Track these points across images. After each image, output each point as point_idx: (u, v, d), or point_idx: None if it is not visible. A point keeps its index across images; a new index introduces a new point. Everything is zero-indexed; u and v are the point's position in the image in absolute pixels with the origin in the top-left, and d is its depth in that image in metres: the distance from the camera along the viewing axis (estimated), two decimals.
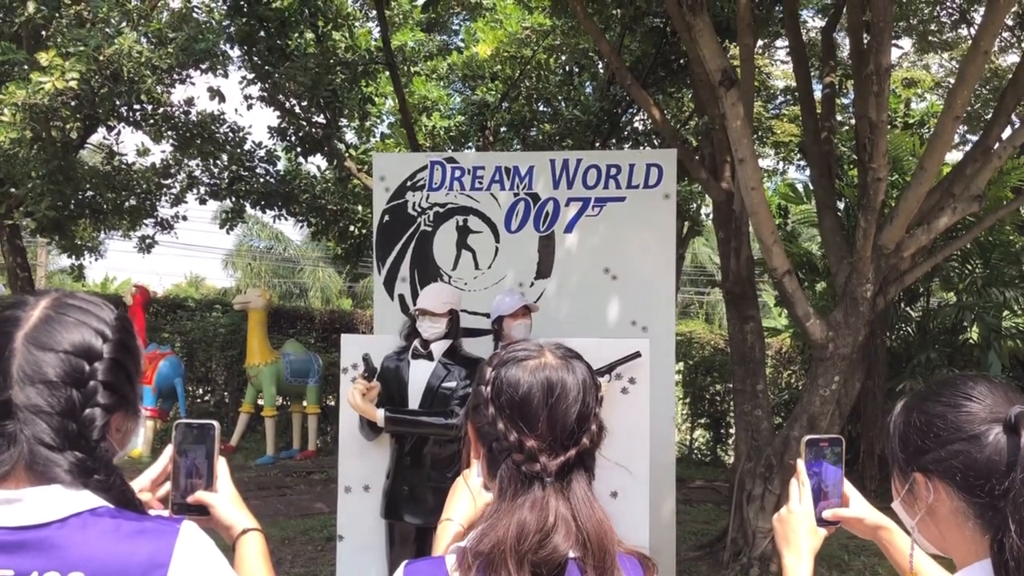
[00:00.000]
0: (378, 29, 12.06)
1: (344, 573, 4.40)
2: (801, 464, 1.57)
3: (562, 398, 1.32)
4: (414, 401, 4.07)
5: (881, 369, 8.20)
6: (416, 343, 4.17)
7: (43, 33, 9.52)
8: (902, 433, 1.29)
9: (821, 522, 1.54)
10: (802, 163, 13.01)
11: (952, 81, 14.29)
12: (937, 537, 1.26)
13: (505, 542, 1.24)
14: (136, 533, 1.15)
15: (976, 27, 12.89)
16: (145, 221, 12.16)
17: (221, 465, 1.44)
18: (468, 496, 1.59)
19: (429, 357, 4.11)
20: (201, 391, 12.64)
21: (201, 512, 1.41)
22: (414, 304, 5.33)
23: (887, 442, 1.36)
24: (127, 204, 11.72)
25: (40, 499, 1.14)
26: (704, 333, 14.25)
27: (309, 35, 10.02)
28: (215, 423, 1.45)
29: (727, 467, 11.28)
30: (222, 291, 30.49)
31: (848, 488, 1.60)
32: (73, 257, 12.43)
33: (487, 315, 5.20)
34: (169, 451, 1.42)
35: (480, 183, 5.41)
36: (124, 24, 9.30)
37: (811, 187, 9.72)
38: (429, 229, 5.45)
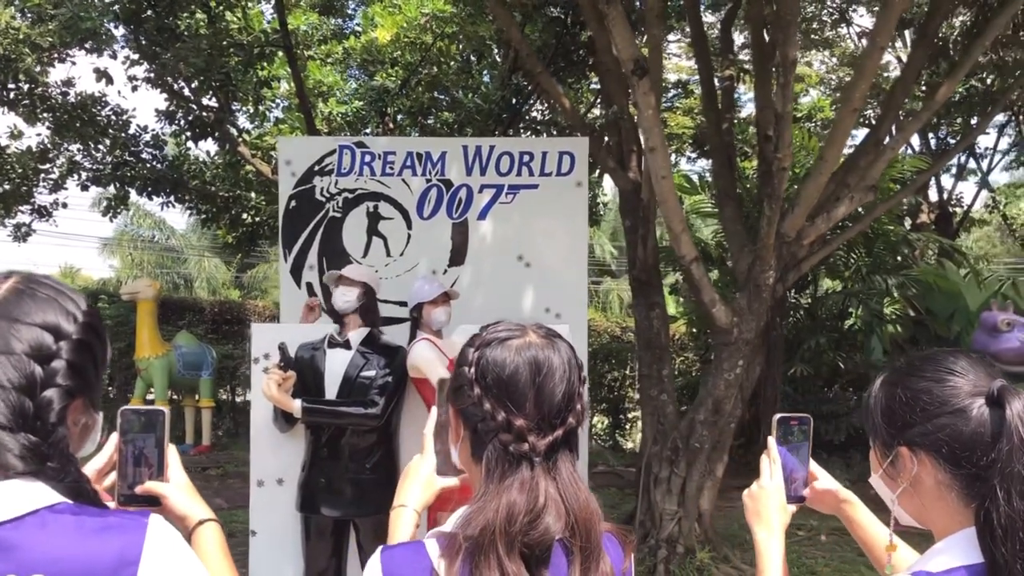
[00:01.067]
0: (271, 10, 11.76)
1: (258, 569, 4.27)
2: (772, 441, 1.59)
3: (549, 376, 1.30)
4: (331, 391, 3.96)
5: (779, 354, 8.51)
6: (332, 332, 4.07)
7: None
8: (885, 408, 1.31)
9: (792, 498, 1.58)
10: (693, 155, 13.37)
11: (834, 77, 14.93)
12: (918, 509, 1.29)
13: (495, 524, 1.21)
14: (101, 529, 1.06)
15: (855, 25, 13.46)
16: (21, 208, 11.52)
17: (172, 453, 1.36)
18: (421, 481, 1.56)
19: (346, 346, 4.01)
20: None
21: (151, 503, 1.33)
22: (323, 292, 5.23)
23: (867, 417, 1.38)
24: (1, 189, 11.07)
25: None
26: (600, 321, 14.48)
27: (200, 15, 9.63)
28: (164, 409, 1.37)
29: (626, 452, 11.52)
30: (101, 282, 29.19)
31: (813, 465, 1.64)
32: None
33: (400, 303, 5.15)
34: (114, 439, 1.32)
35: (391, 168, 5.31)
36: None
37: (704, 178, 10.02)
38: (338, 215, 5.32)
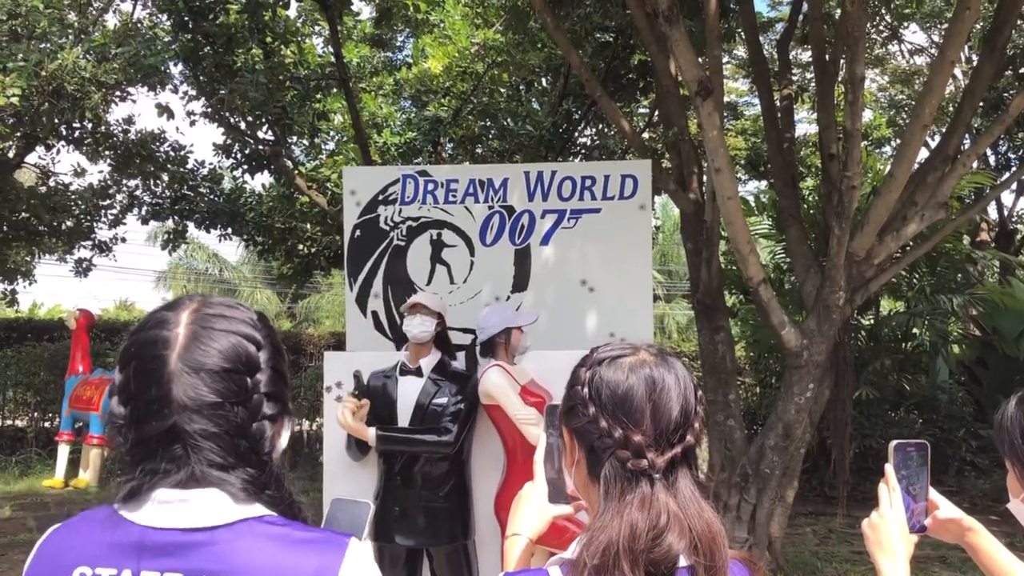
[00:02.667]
0: (323, 44, 11.96)
1: None
2: (890, 468, 1.54)
3: (664, 393, 1.28)
4: (403, 419, 3.95)
5: (848, 377, 8.33)
6: (403, 359, 4.06)
7: None
8: None
9: (914, 528, 1.52)
10: (746, 177, 13.24)
11: (885, 96, 14.73)
12: None
13: (617, 543, 1.19)
14: (303, 543, 1.11)
15: (907, 42, 13.25)
16: (82, 243, 11.80)
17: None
18: (533, 508, 1.54)
19: (418, 373, 4.01)
20: None
21: None
22: (388, 321, 5.24)
23: (1003, 438, 1.32)
24: (63, 226, 11.35)
25: (210, 501, 1.11)
26: None
27: (256, 51, 9.81)
28: (370, 503, 1.40)
29: None
30: None
31: (934, 493, 1.58)
32: (6, 282, 11.99)
33: (463, 330, 5.14)
34: None
35: (454, 196, 5.31)
36: (63, 40, 9.01)
37: (760, 199, 9.91)
38: (402, 243, 5.33)
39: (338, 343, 15.54)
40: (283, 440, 1.23)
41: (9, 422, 12.63)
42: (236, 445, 1.12)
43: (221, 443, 1.11)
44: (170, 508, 1.10)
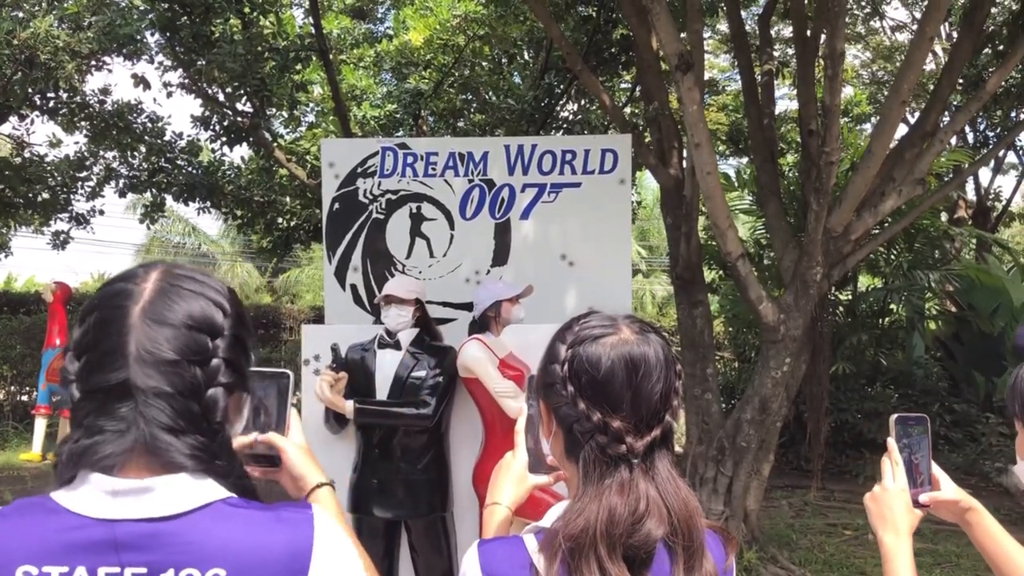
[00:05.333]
0: (303, 15, 11.82)
1: None
2: (892, 442, 1.53)
3: (646, 376, 1.26)
4: (382, 392, 3.96)
5: (824, 352, 8.40)
6: (382, 332, 4.06)
7: None
8: None
9: (916, 504, 1.51)
10: (728, 153, 13.25)
11: (867, 72, 14.77)
12: None
13: (595, 527, 1.19)
14: (272, 522, 1.07)
15: (888, 18, 13.24)
16: (59, 215, 11.66)
17: (294, 416, 1.37)
18: (513, 479, 1.54)
19: (396, 346, 4.01)
20: None
21: (271, 463, 1.33)
22: (367, 294, 5.23)
23: (1014, 400, 1.32)
24: (40, 198, 11.22)
25: (170, 488, 1.04)
26: None
27: (234, 21, 9.68)
28: (289, 372, 1.36)
29: None
30: None
31: (936, 469, 1.56)
32: None
33: (443, 304, 5.15)
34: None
35: (433, 169, 5.28)
36: (36, 7, 8.85)
37: (742, 175, 9.93)
38: (381, 217, 5.30)
39: (318, 317, 15.51)
40: (239, 422, 1.19)
41: None
42: (188, 408, 1.06)
43: (174, 404, 1.05)
44: (127, 498, 1.03)
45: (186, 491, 1.04)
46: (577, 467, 1.27)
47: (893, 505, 1.47)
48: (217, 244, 31.24)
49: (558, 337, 1.36)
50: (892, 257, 9.80)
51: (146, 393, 1.04)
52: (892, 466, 1.52)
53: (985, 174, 14.26)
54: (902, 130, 6.91)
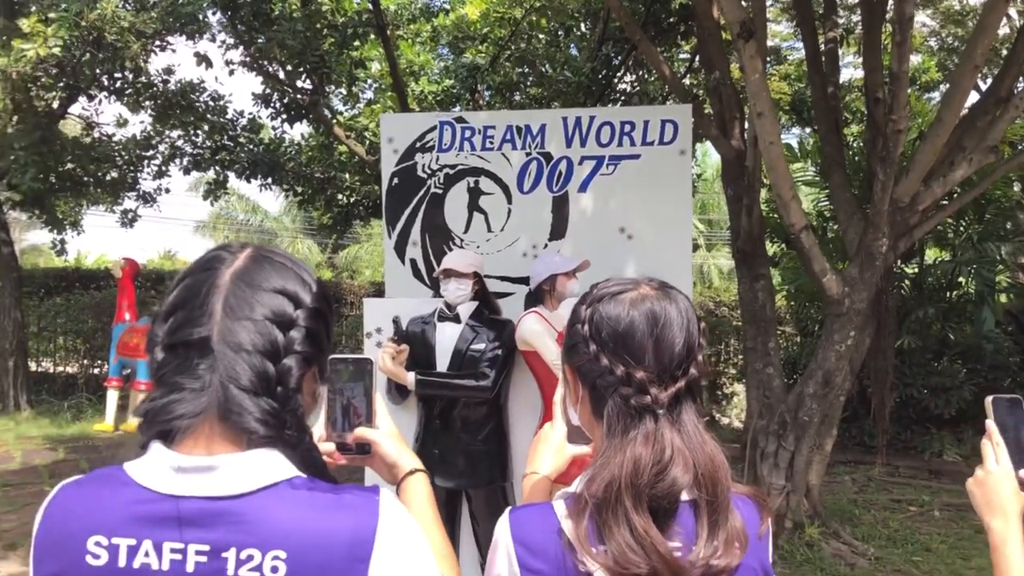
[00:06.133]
0: None
1: None
2: (991, 423, 1.46)
3: (667, 327, 1.26)
4: (442, 364, 4.00)
5: (890, 326, 8.22)
6: (442, 306, 4.09)
7: (17, 2, 9.25)
8: None
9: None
10: (790, 123, 12.98)
11: (935, 40, 14.31)
12: None
13: (620, 479, 1.19)
14: (336, 507, 1.06)
15: None
16: (127, 194, 11.95)
17: (379, 402, 1.36)
18: (552, 448, 1.54)
19: (456, 320, 4.03)
20: None
21: (361, 451, 1.33)
22: (426, 268, 5.27)
23: None
24: (108, 176, 11.50)
25: (234, 467, 1.05)
26: (693, 296, 14.25)
27: None
28: (371, 358, 1.35)
29: (722, 427, 11.35)
30: None
31: None
32: (55, 232, 12.19)
33: (501, 278, 5.16)
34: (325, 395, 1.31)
35: (491, 143, 5.28)
36: None
37: (805, 146, 9.73)
38: (440, 191, 5.32)
39: (378, 292, 15.69)
40: (315, 410, 1.20)
41: (60, 368, 12.99)
42: (265, 369, 1.07)
43: (253, 362, 1.06)
44: (192, 475, 1.04)
45: (250, 470, 1.05)
46: (602, 425, 1.27)
47: (999, 489, 1.41)
48: (278, 221, 31.73)
49: (579, 301, 1.37)
50: (961, 228, 9.53)
51: (228, 347, 1.06)
52: (994, 448, 1.45)
53: None
54: (974, 97, 6.68)
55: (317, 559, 1.02)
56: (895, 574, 5.54)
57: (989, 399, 1.48)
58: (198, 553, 1.01)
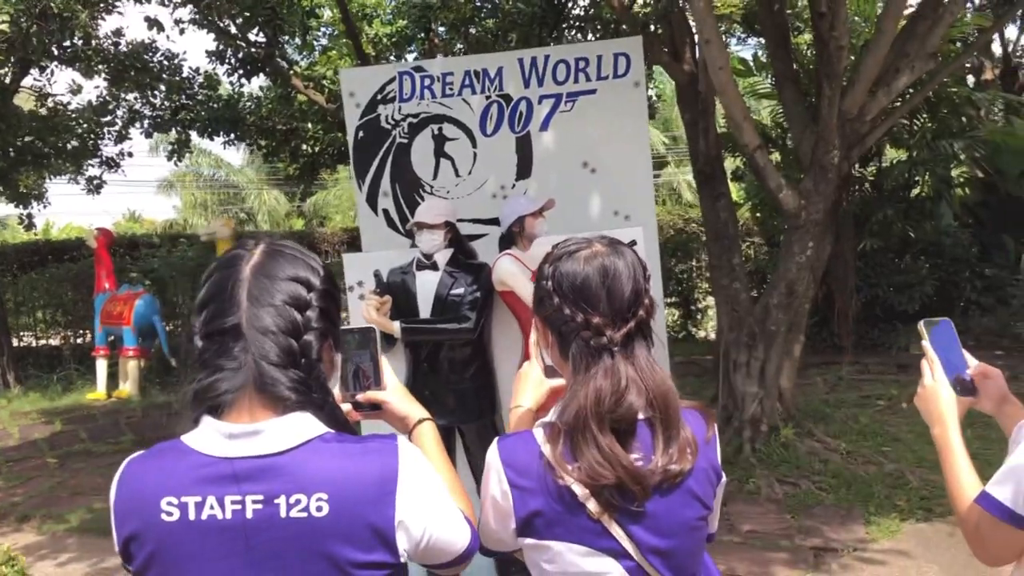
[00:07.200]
0: None
1: None
2: (926, 343, 1.66)
3: (616, 279, 1.50)
4: (424, 310, 4.20)
5: (848, 231, 8.50)
6: (419, 255, 4.28)
7: None
8: None
9: (961, 390, 1.62)
10: (744, 36, 13.04)
11: None
12: None
13: (586, 407, 1.44)
14: (362, 453, 1.29)
15: None
16: (90, 161, 11.90)
17: (385, 364, 1.59)
18: (533, 383, 1.79)
19: (434, 267, 4.23)
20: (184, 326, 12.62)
21: (374, 408, 1.57)
22: (399, 218, 5.44)
23: None
24: (69, 146, 11.44)
25: (276, 429, 1.26)
26: (662, 216, 14.49)
27: None
28: (374, 327, 1.60)
29: (700, 341, 11.71)
30: (169, 224, 29.96)
31: (972, 359, 1.68)
32: (20, 206, 12.16)
33: (473, 220, 5.34)
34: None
35: (451, 89, 5.40)
36: None
37: (759, 58, 9.85)
38: (405, 141, 5.46)
39: (351, 239, 15.77)
40: (334, 375, 1.42)
41: (42, 342, 13.09)
42: (290, 345, 1.28)
43: (279, 341, 1.27)
44: (241, 439, 1.25)
45: (289, 430, 1.26)
46: (569, 365, 1.52)
47: (937, 399, 1.61)
48: (243, 173, 31.46)
49: (543, 260, 1.61)
50: (915, 128, 9.75)
51: (254, 331, 1.28)
52: (930, 364, 1.65)
53: (1013, 31, 13.89)
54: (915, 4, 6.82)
55: (353, 495, 1.24)
56: (866, 465, 5.90)
57: (921, 323, 1.69)
58: (254, 502, 1.23)
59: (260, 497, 1.23)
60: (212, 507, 1.23)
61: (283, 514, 1.23)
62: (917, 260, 9.80)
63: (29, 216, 12.34)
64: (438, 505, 1.34)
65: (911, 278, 9.48)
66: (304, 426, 1.28)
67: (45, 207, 13.22)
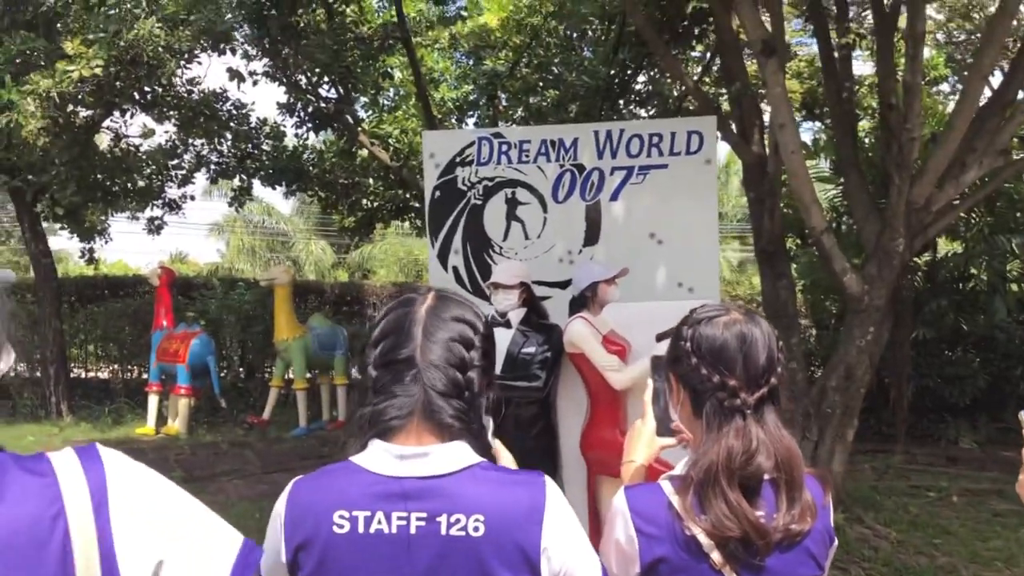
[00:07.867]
0: (382, 2, 12.14)
1: None
2: None
3: (753, 345, 1.62)
4: (496, 367, 4.29)
5: (906, 319, 8.49)
6: (493, 313, 4.40)
7: (57, 23, 9.54)
8: None
9: None
10: (803, 119, 13.21)
11: (943, 33, 14.51)
12: None
13: (717, 463, 1.54)
14: (514, 483, 1.42)
15: None
16: (154, 202, 12.26)
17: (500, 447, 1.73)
18: (645, 440, 1.91)
19: (507, 325, 4.34)
20: (230, 368, 12.82)
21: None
22: (467, 275, 5.60)
23: None
24: (136, 186, 11.81)
25: (441, 454, 1.39)
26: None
27: (319, 10, 10.07)
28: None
29: None
30: (215, 268, 30.49)
31: None
32: (85, 241, 12.50)
33: (538, 283, 5.46)
34: None
35: (527, 156, 5.60)
36: (136, 8, 9.33)
37: (818, 142, 9.99)
38: (479, 202, 5.64)
39: (398, 293, 15.91)
40: (489, 409, 1.54)
41: (92, 374, 13.35)
42: (456, 379, 1.41)
43: (447, 373, 1.41)
44: (411, 460, 1.37)
45: (452, 456, 1.39)
46: (701, 422, 1.63)
47: None
48: (292, 222, 32.04)
49: (682, 322, 1.73)
50: (972, 221, 9.78)
51: (426, 363, 1.41)
52: None
53: None
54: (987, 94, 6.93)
55: (506, 519, 1.36)
56: (917, 556, 5.82)
57: (1022, 413, 1.70)
58: (418, 519, 1.35)
59: (424, 514, 1.35)
60: (380, 522, 1.36)
61: (443, 531, 1.35)
62: (969, 353, 9.73)
63: (91, 251, 12.69)
64: (578, 540, 1.44)
65: (962, 370, 9.41)
66: (464, 453, 1.40)
67: (107, 243, 13.63)
